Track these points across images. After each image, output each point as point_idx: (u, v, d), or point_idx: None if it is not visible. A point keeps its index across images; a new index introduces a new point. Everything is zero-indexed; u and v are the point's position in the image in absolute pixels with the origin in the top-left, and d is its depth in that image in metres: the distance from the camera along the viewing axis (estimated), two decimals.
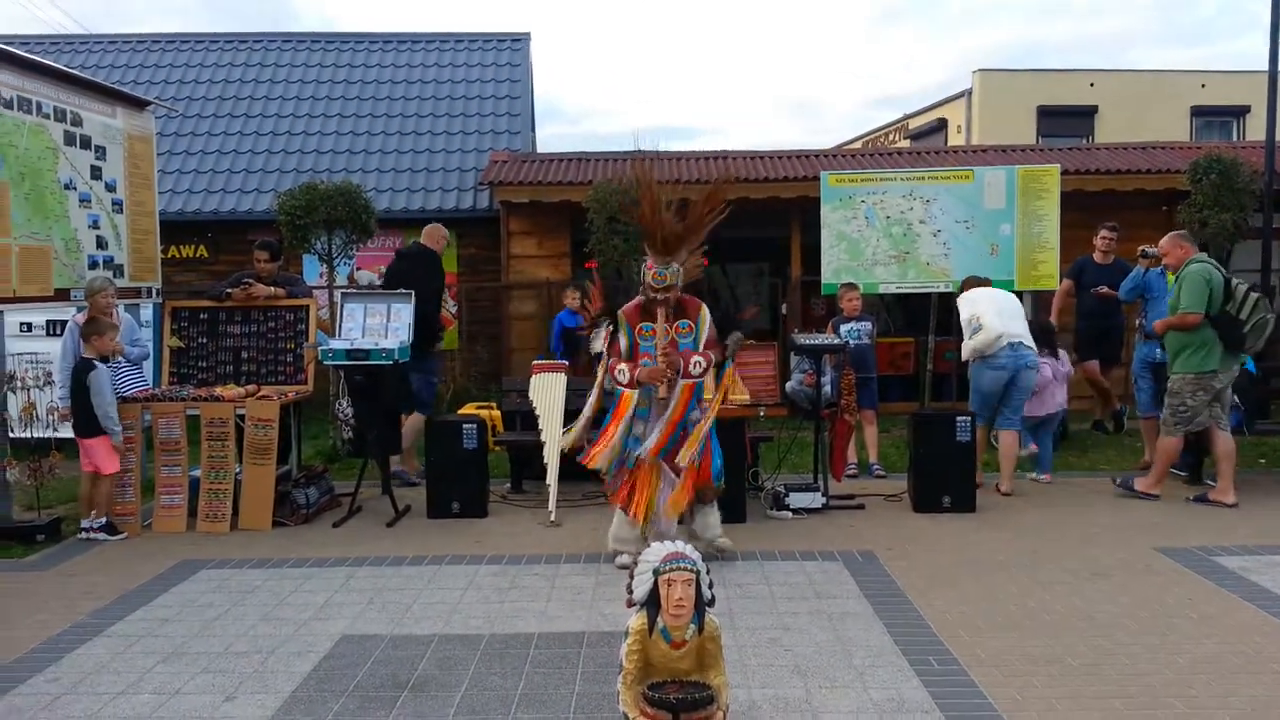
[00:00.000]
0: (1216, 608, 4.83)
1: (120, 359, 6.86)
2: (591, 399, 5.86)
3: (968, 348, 7.39)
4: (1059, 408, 7.89)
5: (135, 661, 4.34)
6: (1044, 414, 7.76)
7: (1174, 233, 7.50)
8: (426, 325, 7.71)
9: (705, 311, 5.66)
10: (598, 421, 5.81)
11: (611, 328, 5.71)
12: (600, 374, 5.81)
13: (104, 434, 6.46)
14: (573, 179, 11.88)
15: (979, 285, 7.81)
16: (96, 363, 6.49)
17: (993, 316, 7.29)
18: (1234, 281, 6.95)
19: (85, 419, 6.46)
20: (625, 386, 5.56)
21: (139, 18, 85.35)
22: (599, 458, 5.60)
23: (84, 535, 6.40)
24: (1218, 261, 7.22)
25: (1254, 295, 6.87)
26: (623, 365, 5.58)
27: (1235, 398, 7.33)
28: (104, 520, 6.43)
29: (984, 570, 5.51)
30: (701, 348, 5.58)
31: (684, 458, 5.47)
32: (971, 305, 7.47)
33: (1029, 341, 7.33)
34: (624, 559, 5.49)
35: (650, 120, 76.02)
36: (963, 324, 7.43)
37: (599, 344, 5.77)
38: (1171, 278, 7.74)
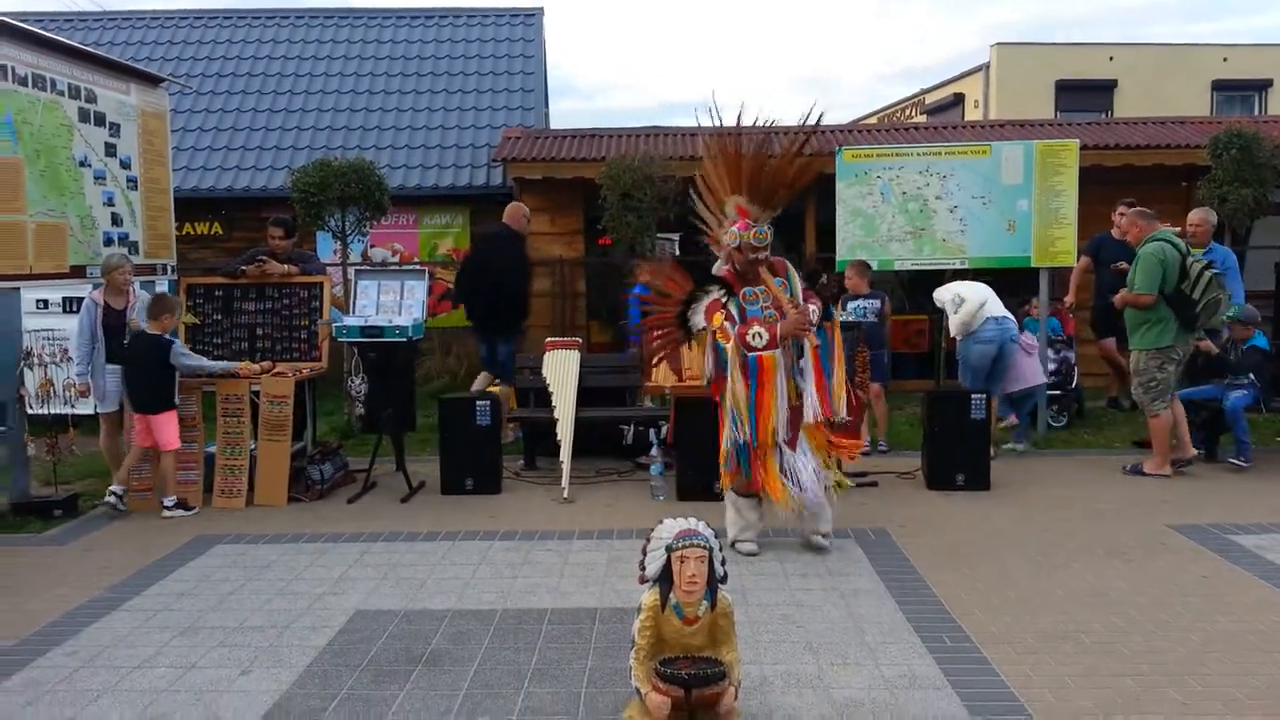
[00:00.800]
0: (1231, 585, 4.80)
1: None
2: (735, 374, 5.32)
3: (956, 322, 7.77)
4: (1038, 381, 8.18)
5: (152, 635, 4.38)
6: (1022, 388, 8.02)
7: (1136, 209, 7.61)
8: (517, 303, 8.22)
9: (792, 268, 5.50)
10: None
11: (722, 297, 5.37)
12: (709, 352, 5.45)
13: (172, 409, 6.52)
14: (586, 155, 11.82)
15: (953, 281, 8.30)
16: (172, 339, 6.57)
17: (971, 290, 7.79)
18: (1190, 260, 7.05)
19: (153, 395, 6.50)
20: (765, 349, 5.19)
21: None
22: (772, 431, 5.24)
23: (165, 515, 6.42)
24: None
25: (1208, 274, 6.96)
26: (757, 328, 5.21)
27: (1251, 375, 7.27)
28: (175, 499, 6.48)
29: (997, 548, 5.49)
30: (800, 300, 5.35)
31: (838, 409, 5.32)
32: (949, 290, 7.96)
33: (1010, 315, 7.80)
34: (750, 545, 5.41)
35: (664, 96, 75.60)
36: (946, 306, 7.83)
37: (700, 318, 5.43)
38: (1196, 254, 7.73)
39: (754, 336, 5.22)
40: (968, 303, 7.69)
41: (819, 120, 5.74)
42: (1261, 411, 7.51)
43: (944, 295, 7.92)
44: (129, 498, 6.62)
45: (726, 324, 5.30)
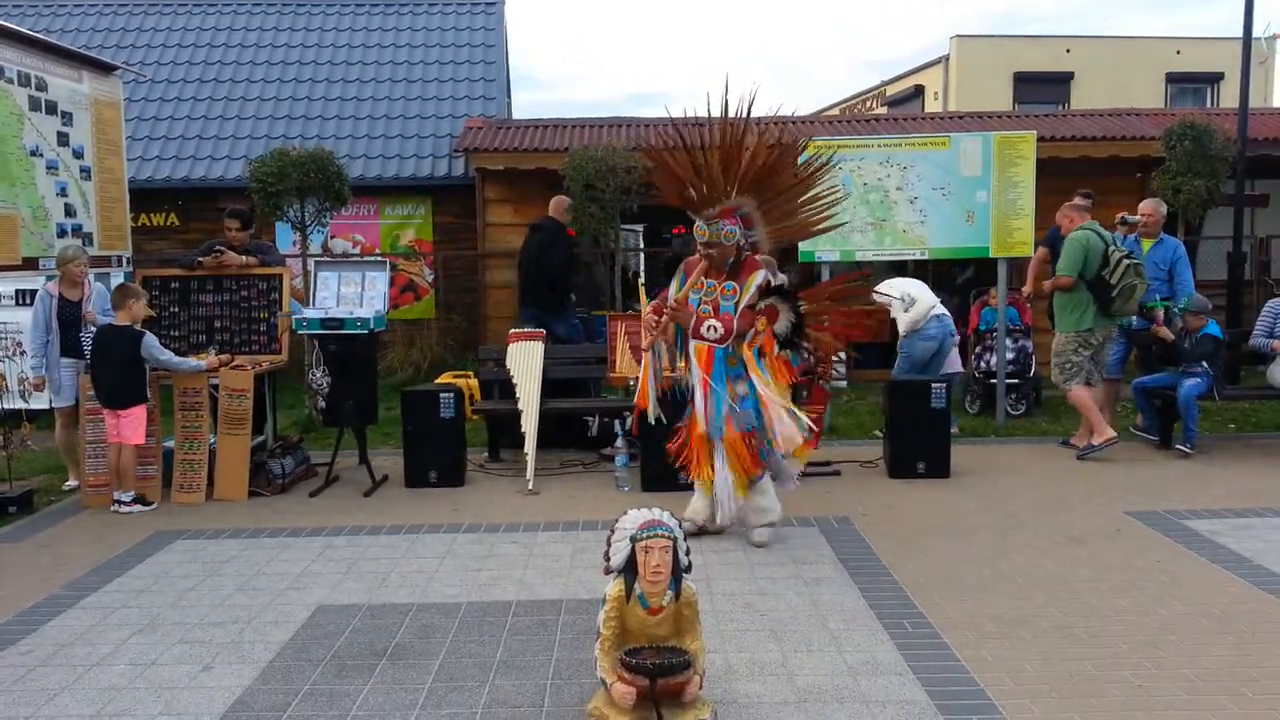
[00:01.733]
0: (1185, 570, 4.91)
1: (91, 327, 6.77)
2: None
3: (907, 320, 8.15)
4: (959, 368, 8.90)
5: (110, 633, 4.33)
6: (951, 372, 8.47)
7: (1068, 203, 7.92)
8: (561, 285, 9.14)
9: (758, 278, 5.29)
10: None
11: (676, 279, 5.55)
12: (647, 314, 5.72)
13: (141, 404, 6.37)
14: (549, 146, 11.79)
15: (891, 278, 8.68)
16: (142, 330, 6.41)
17: (921, 291, 8.20)
18: (1111, 249, 7.42)
19: (120, 388, 6.33)
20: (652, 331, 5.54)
21: None
22: (646, 403, 5.60)
23: (115, 509, 6.31)
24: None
25: (1126, 262, 7.34)
26: (649, 308, 5.56)
27: (1204, 364, 7.42)
28: (133, 493, 6.36)
29: (957, 535, 5.57)
30: (737, 312, 5.28)
31: (780, 445, 5.23)
32: (896, 287, 8.27)
33: (947, 311, 8.33)
34: (686, 526, 5.40)
35: (628, 88, 75.40)
36: (894, 304, 8.10)
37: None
38: (1147, 244, 7.91)
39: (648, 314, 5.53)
40: (920, 303, 8.13)
41: (771, 109, 5.73)
42: (1215, 399, 7.65)
43: (891, 293, 8.17)
44: (84, 493, 6.51)
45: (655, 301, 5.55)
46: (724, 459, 5.34)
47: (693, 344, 5.36)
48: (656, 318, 5.45)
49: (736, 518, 5.43)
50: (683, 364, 5.50)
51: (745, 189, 5.42)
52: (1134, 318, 7.89)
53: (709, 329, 5.29)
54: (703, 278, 5.38)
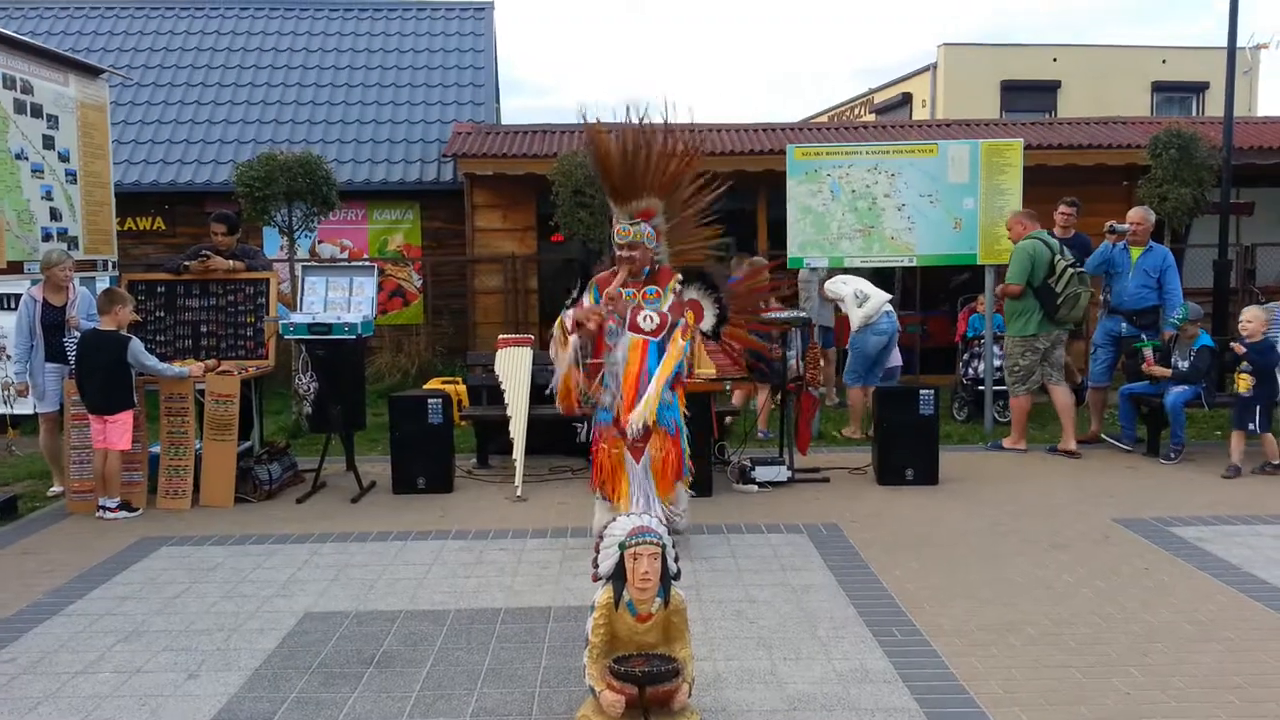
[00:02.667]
0: (1172, 577, 4.92)
1: (75, 332, 6.72)
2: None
3: (860, 315, 8.45)
4: (899, 363, 9.28)
5: (95, 640, 4.29)
6: (890, 366, 8.94)
7: (1018, 211, 8.16)
8: None
9: (676, 283, 5.35)
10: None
11: (579, 290, 5.41)
12: (555, 330, 5.39)
13: (129, 409, 6.32)
14: (538, 151, 11.79)
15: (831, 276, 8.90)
16: (127, 335, 6.35)
17: (870, 287, 8.55)
18: (1058, 258, 7.78)
19: (106, 393, 6.28)
20: (569, 333, 5.23)
21: None
22: (568, 403, 5.29)
23: (100, 515, 6.25)
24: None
25: (1070, 271, 7.73)
26: (568, 312, 5.26)
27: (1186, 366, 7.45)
28: (118, 499, 6.31)
29: (945, 542, 5.57)
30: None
31: (633, 423, 4.98)
32: (845, 284, 8.57)
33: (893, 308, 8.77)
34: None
35: (616, 94, 75.47)
36: (846, 300, 8.31)
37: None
38: (1136, 252, 7.96)
39: (565, 318, 5.28)
40: (873, 299, 8.48)
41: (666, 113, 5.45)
42: (1204, 407, 7.68)
43: (842, 290, 8.46)
44: (69, 499, 6.46)
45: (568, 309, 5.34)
46: (646, 468, 5.14)
47: (627, 339, 5.16)
48: (593, 309, 5.18)
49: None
50: (594, 384, 5.26)
51: (656, 192, 5.34)
52: (1124, 324, 7.97)
53: (645, 319, 5.16)
54: (620, 288, 5.22)
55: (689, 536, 5.56)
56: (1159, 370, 7.58)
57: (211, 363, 6.97)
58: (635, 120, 5.31)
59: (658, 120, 5.32)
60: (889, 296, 8.70)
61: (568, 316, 5.27)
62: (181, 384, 6.68)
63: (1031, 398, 7.98)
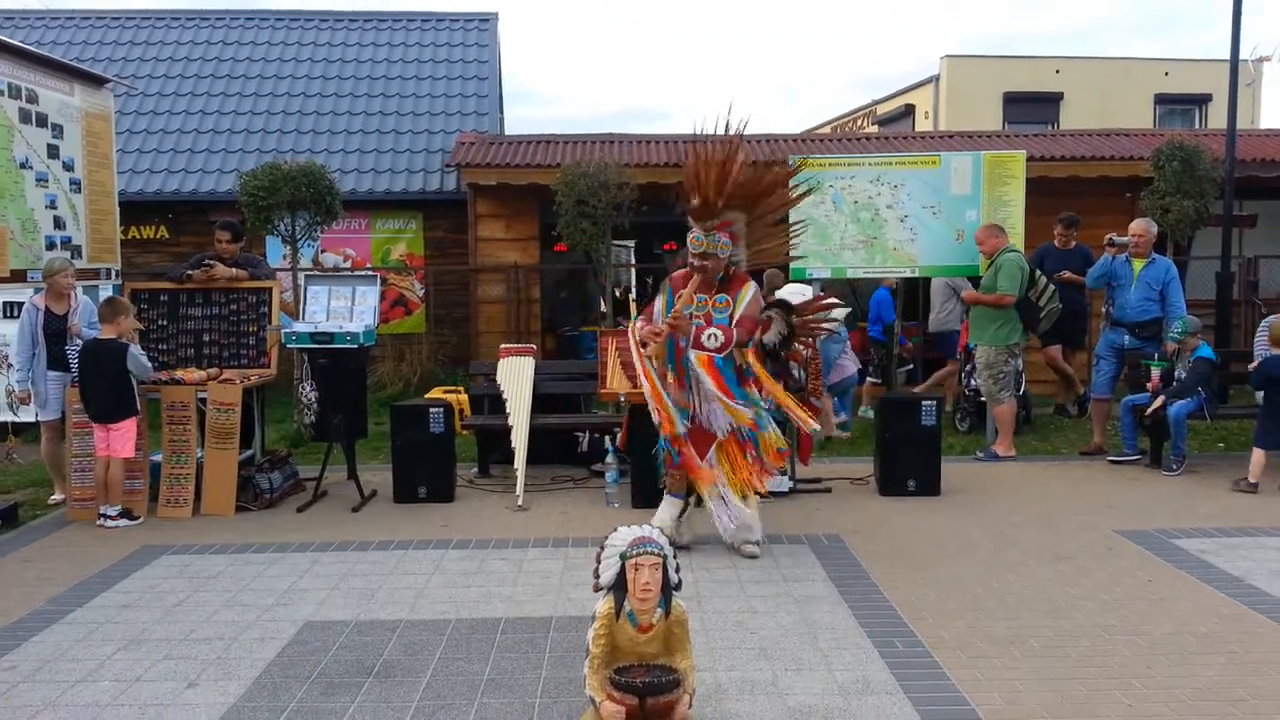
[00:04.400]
0: (1175, 589, 4.91)
1: (77, 340, 6.72)
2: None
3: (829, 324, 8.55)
4: (854, 370, 9.35)
5: (95, 649, 4.28)
6: (843, 378, 9.08)
7: (988, 223, 8.28)
8: None
9: (750, 289, 5.39)
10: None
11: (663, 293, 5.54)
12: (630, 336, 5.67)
13: (131, 417, 6.32)
14: (541, 161, 11.80)
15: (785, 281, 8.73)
16: (127, 343, 6.36)
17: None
18: (1038, 272, 8.18)
19: (109, 401, 6.27)
20: (638, 345, 5.48)
21: None
22: (670, 422, 5.37)
23: (101, 523, 6.25)
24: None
25: (1050, 287, 8.17)
26: (640, 323, 5.48)
27: (1200, 387, 7.43)
28: (119, 508, 6.30)
29: (947, 553, 5.56)
30: (734, 323, 5.32)
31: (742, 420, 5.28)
32: (803, 295, 8.32)
33: None
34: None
35: (626, 104, 75.62)
36: None
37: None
38: (1138, 264, 7.92)
39: (635, 330, 5.49)
40: (837, 310, 8.43)
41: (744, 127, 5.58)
42: (1206, 419, 7.67)
43: (796, 299, 8.36)
44: (70, 507, 6.46)
45: (641, 314, 5.53)
46: (723, 468, 5.36)
47: (692, 355, 5.28)
48: (654, 330, 5.35)
49: (734, 533, 5.42)
50: (672, 380, 5.45)
51: (735, 205, 5.41)
52: (1127, 336, 7.99)
53: (709, 337, 5.27)
54: (694, 292, 5.36)
55: (691, 547, 5.56)
56: (1158, 402, 7.45)
57: (214, 371, 6.97)
58: (725, 140, 5.33)
59: (740, 134, 5.36)
60: (848, 309, 8.91)
61: (638, 327, 5.45)
62: (183, 392, 6.69)
63: (1015, 402, 8.25)
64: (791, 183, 5.74)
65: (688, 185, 5.33)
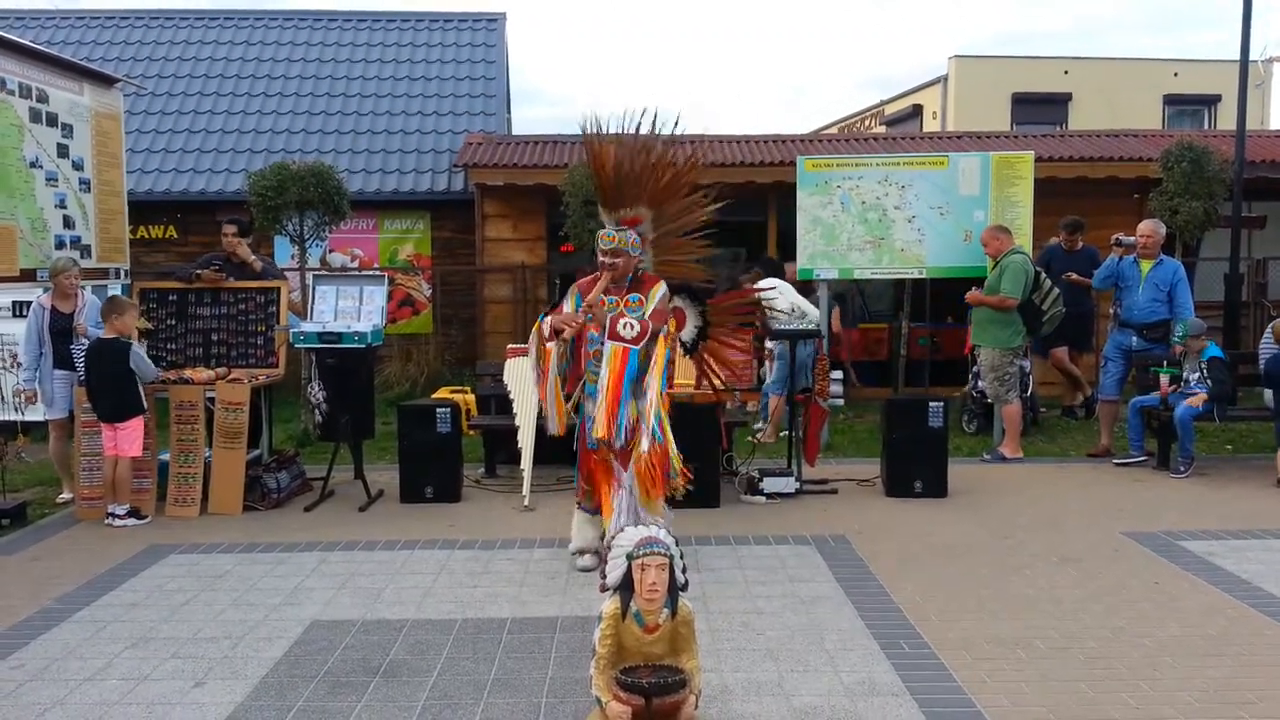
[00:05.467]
0: (1181, 591, 4.89)
1: (83, 339, 6.75)
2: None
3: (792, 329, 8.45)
4: None
5: (102, 647, 4.30)
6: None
7: (993, 224, 8.26)
8: None
9: (661, 289, 5.25)
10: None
11: (560, 295, 5.39)
12: (533, 334, 5.39)
13: (137, 416, 6.33)
14: (548, 162, 11.81)
15: (772, 274, 8.67)
16: (130, 341, 6.36)
17: (804, 302, 8.43)
18: (1042, 275, 8.16)
19: (116, 400, 6.28)
20: (546, 340, 5.21)
21: None
22: (554, 422, 5.24)
23: (109, 522, 6.26)
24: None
25: (1055, 291, 8.15)
26: (548, 318, 5.22)
27: (1207, 384, 7.41)
28: (127, 506, 6.32)
29: (954, 554, 5.55)
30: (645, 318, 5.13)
31: (639, 446, 4.95)
32: (786, 295, 8.34)
33: None
34: (586, 560, 5.27)
35: (636, 105, 75.52)
36: (783, 312, 8.05)
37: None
38: (1146, 265, 7.88)
39: (544, 325, 5.26)
40: (810, 314, 8.37)
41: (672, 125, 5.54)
42: (1215, 420, 7.64)
43: (780, 305, 8.25)
44: (78, 506, 6.49)
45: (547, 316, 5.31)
46: (631, 475, 5.03)
47: (608, 347, 5.05)
48: (569, 317, 5.14)
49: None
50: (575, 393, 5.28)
51: (647, 201, 5.33)
52: (1135, 338, 7.97)
53: (625, 326, 5.05)
54: (602, 295, 5.17)
55: (698, 548, 5.55)
56: (1198, 398, 7.35)
57: (222, 370, 6.99)
58: (637, 128, 5.31)
59: (664, 130, 5.32)
60: (816, 313, 8.76)
61: (545, 324, 5.23)
62: (192, 391, 6.71)
63: (1021, 404, 8.29)
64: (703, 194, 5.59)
65: (595, 181, 5.28)
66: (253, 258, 7.40)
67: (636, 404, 5.04)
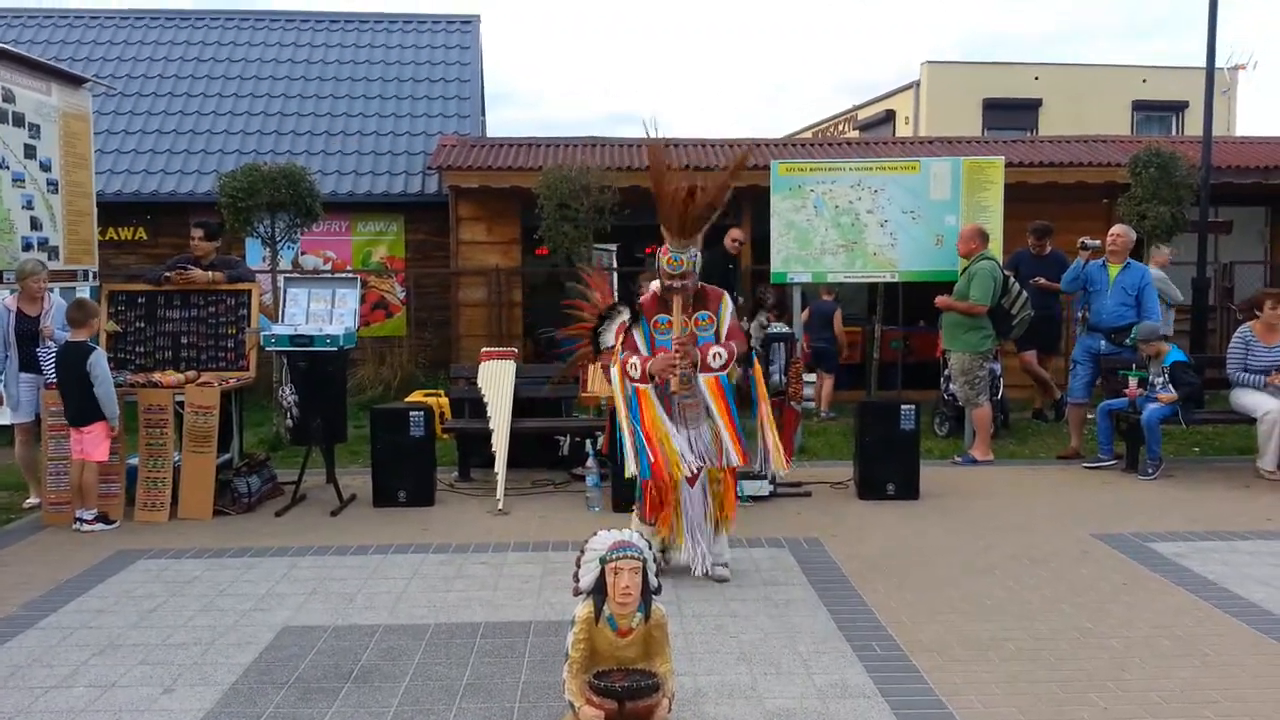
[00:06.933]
0: (1150, 593, 4.95)
1: (49, 342, 6.66)
2: (620, 411, 5.17)
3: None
4: None
5: (69, 654, 4.24)
6: None
7: (971, 224, 8.36)
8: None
9: (727, 301, 5.25)
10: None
11: (625, 320, 5.26)
12: (615, 371, 5.20)
13: (101, 420, 6.25)
14: (523, 164, 11.80)
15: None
16: (94, 345, 6.29)
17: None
18: (1011, 280, 8.22)
19: (80, 405, 6.21)
20: (637, 382, 5.05)
21: None
22: (668, 464, 4.97)
23: (77, 528, 6.19)
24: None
25: (1024, 295, 8.26)
26: (634, 359, 5.06)
27: (1170, 388, 7.50)
28: (95, 511, 6.24)
29: (926, 557, 5.58)
30: (722, 339, 5.14)
31: (779, 462, 5.21)
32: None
33: None
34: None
35: (610, 107, 75.70)
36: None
37: (610, 337, 5.34)
38: (1114, 269, 7.97)
39: (632, 367, 5.08)
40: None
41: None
42: (1181, 424, 7.73)
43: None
44: (45, 511, 6.41)
45: (621, 348, 5.19)
46: (703, 498, 5.11)
47: (700, 380, 5.05)
48: (670, 360, 5.04)
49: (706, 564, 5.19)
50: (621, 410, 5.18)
51: (704, 226, 5.29)
52: (1103, 342, 8.06)
53: (714, 357, 5.05)
54: (661, 315, 5.14)
55: (671, 552, 5.55)
56: (1167, 397, 7.46)
57: (191, 374, 6.92)
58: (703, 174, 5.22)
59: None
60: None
61: (632, 364, 5.07)
62: (160, 395, 6.64)
63: (992, 407, 8.37)
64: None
65: (670, 214, 5.12)
66: (209, 276, 7.24)
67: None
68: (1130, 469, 7.74)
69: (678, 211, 5.09)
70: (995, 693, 3.80)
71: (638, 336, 5.20)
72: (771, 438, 5.26)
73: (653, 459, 4.97)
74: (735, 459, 5.08)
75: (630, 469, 5.06)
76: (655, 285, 5.31)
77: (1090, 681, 3.90)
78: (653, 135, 5.54)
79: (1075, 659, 4.12)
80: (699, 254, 5.18)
